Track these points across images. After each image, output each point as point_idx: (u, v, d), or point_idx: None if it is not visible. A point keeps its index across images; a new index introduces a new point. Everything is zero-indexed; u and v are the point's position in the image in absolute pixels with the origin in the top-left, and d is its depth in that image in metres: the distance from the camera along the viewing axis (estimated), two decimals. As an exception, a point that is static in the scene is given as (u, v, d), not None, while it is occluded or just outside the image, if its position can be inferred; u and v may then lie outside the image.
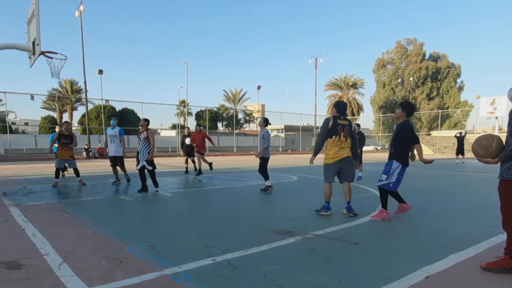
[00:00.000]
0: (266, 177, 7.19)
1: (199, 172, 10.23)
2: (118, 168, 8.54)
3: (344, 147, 4.81)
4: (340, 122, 4.79)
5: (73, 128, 41.38)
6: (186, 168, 11.51)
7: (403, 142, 4.52)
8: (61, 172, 8.41)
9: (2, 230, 4.06)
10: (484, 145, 2.81)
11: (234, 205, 5.87)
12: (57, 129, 9.87)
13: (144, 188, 7.11)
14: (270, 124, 7.47)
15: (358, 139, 10.11)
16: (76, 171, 8.37)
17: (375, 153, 34.70)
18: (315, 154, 5.06)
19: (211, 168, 10.75)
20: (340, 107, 4.97)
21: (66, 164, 8.75)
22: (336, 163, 4.82)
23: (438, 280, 2.59)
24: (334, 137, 4.76)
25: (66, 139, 8.11)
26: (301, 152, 35.86)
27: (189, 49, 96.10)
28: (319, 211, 4.97)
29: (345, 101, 44.81)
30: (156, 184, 7.29)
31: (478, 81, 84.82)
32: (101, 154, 22.27)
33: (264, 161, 7.17)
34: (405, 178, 4.70)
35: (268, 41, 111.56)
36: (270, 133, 8.98)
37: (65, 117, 41.69)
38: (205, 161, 10.53)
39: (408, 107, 4.64)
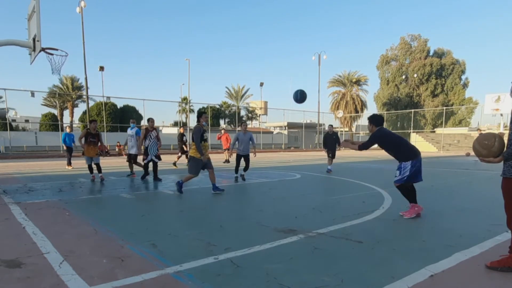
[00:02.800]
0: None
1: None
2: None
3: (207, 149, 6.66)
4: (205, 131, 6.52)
5: (73, 125, 41.79)
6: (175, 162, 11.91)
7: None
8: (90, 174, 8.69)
9: (2, 229, 4.05)
10: (486, 145, 2.77)
11: (236, 203, 5.84)
12: (67, 130, 13.41)
13: (146, 173, 8.88)
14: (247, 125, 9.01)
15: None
16: (99, 167, 8.69)
17: (379, 151, 34.56)
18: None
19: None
20: (204, 118, 6.48)
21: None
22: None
23: (442, 279, 2.56)
24: (203, 142, 6.42)
25: (93, 137, 8.51)
26: (304, 150, 35.71)
27: (191, 46, 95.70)
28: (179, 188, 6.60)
29: (348, 98, 44.96)
30: (156, 177, 8.66)
31: (483, 78, 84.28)
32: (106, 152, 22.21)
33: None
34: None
35: (271, 37, 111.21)
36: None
37: (66, 114, 41.78)
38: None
39: (374, 120, 4.85)
